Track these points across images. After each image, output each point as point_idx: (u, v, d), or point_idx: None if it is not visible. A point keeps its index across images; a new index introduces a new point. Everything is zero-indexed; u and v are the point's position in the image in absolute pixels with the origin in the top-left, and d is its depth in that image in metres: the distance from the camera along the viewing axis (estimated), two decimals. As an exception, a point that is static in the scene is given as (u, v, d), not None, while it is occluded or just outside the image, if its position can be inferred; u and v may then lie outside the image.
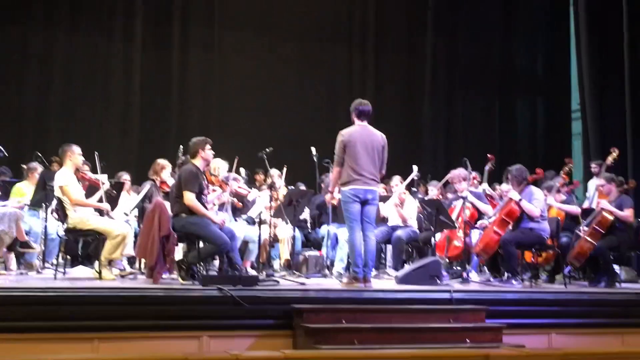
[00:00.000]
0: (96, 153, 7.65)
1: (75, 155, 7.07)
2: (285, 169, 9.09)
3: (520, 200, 7.42)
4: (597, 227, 7.71)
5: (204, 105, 12.17)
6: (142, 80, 11.74)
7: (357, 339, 5.50)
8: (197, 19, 12.18)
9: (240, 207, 8.17)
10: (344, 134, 6.78)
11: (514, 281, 7.33)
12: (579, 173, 11.92)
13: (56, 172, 7.64)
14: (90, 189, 7.39)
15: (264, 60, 12.38)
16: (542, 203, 7.56)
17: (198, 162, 6.77)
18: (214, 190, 7.45)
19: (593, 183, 9.25)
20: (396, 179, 9.00)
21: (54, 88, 11.38)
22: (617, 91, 11.41)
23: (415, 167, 9.20)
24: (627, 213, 7.76)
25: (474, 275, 7.99)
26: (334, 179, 6.96)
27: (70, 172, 7.02)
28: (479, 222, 7.98)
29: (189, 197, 6.49)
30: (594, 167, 9.61)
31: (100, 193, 7.22)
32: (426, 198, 8.96)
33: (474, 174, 8.54)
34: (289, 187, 8.84)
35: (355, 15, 13.08)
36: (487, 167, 9.00)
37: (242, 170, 9.11)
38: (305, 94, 12.56)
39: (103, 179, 7.40)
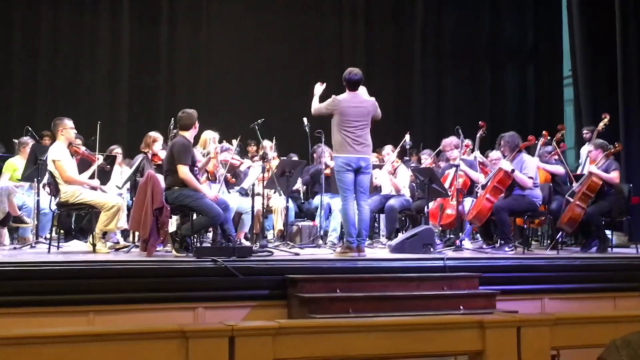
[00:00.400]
0: (99, 122, 7.61)
1: (68, 129, 7.02)
2: (274, 141, 9.06)
3: (512, 171, 7.42)
4: (586, 192, 7.74)
5: (194, 78, 12.07)
6: (131, 54, 11.62)
7: (352, 308, 5.54)
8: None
9: (233, 182, 8.17)
10: (335, 99, 6.75)
11: (506, 248, 7.38)
12: (571, 139, 11.94)
13: (47, 146, 7.61)
14: (82, 162, 7.35)
15: (253, 32, 12.27)
16: (534, 171, 7.58)
17: (189, 134, 6.74)
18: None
19: (585, 149, 9.27)
20: (388, 148, 9.01)
21: (41, 63, 11.26)
22: (609, 57, 11.37)
23: (407, 136, 9.20)
24: (613, 175, 7.77)
25: (467, 243, 8.03)
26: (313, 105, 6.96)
27: (63, 146, 6.97)
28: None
29: (183, 171, 6.47)
30: (585, 132, 9.63)
31: (93, 168, 7.19)
32: (419, 167, 8.97)
33: (466, 141, 8.55)
34: (282, 158, 8.83)
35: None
36: (478, 135, 9.00)
37: (234, 141, 9.08)
38: (296, 65, 12.48)
39: (98, 154, 7.36)
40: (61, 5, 11.40)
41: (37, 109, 11.12)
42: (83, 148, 7.34)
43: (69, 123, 7.05)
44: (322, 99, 7.00)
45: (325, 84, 7.17)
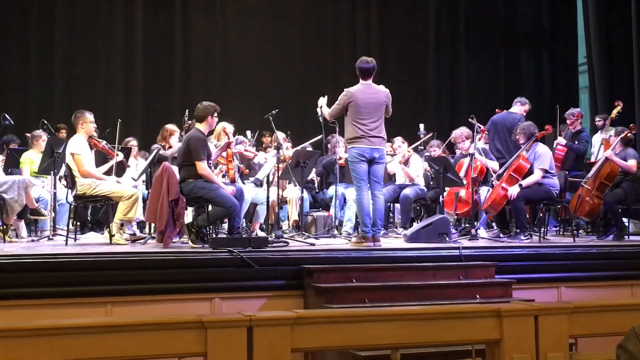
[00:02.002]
0: (119, 121, 7.64)
1: (88, 122, 7.06)
2: (289, 131, 9.08)
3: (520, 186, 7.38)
4: (604, 181, 7.69)
5: (208, 68, 12.10)
6: (145, 43, 11.68)
7: (368, 298, 5.54)
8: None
9: (247, 173, 8.18)
10: (347, 92, 6.74)
11: (522, 237, 7.35)
12: (586, 127, 11.84)
13: (63, 139, 7.66)
14: (99, 154, 7.39)
15: (267, 20, 12.27)
16: (548, 161, 7.54)
17: (203, 127, 6.75)
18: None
19: (598, 137, 9.21)
20: (398, 140, 8.99)
21: (56, 53, 11.33)
22: (624, 43, 11.26)
23: (421, 125, 9.17)
24: (631, 163, 7.71)
25: (482, 232, 8.01)
26: (324, 115, 6.97)
27: (83, 139, 7.01)
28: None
29: (202, 166, 6.49)
30: (598, 120, 9.56)
31: (111, 163, 7.21)
32: (433, 156, 8.94)
33: (482, 127, 8.49)
34: (295, 148, 8.82)
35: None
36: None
37: (248, 132, 9.09)
38: (310, 53, 12.47)
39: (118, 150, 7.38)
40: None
41: (53, 101, 11.19)
42: (103, 142, 7.36)
43: (89, 116, 7.09)
44: (335, 91, 6.97)
45: (326, 97, 7.13)
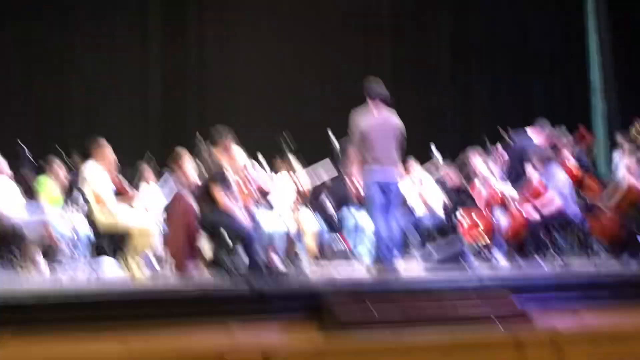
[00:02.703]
0: (147, 157, 7.66)
1: (106, 151, 7.10)
2: (301, 155, 9.10)
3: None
4: (622, 203, 7.62)
5: (222, 95, 12.18)
6: (160, 71, 11.81)
7: (387, 327, 5.50)
8: (213, 8, 12.18)
9: (263, 202, 8.18)
10: (358, 118, 6.72)
11: (542, 262, 7.28)
12: (600, 147, 11.80)
13: (80, 170, 7.70)
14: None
15: (279, 46, 12.37)
16: (564, 183, 7.49)
17: (220, 151, 6.78)
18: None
19: (618, 155, 9.14)
20: (412, 162, 8.96)
21: (73, 84, 11.47)
22: (637, 63, 11.24)
23: (433, 146, 9.13)
24: None
25: (500, 258, 7.94)
26: (352, 159, 6.92)
27: (100, 168, 7.03)
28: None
29: (218, 194, 6.50)
30: (620, 138, 9.50)
31: (127, 203, 7.23)
32: (446, 181, 8.91)
33: (498, 151, 8.45)
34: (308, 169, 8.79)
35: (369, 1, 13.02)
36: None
37: (259, 155, 9.09)
38: (323, 81, 12.54)
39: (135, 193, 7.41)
40: (94, 25, 11.59)
41: (69, 131, 11.29)
42: (124, 182, 7.39)
43: (105, 144, 7.13)
44: (347, 114, 6.97)
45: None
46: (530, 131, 8.52)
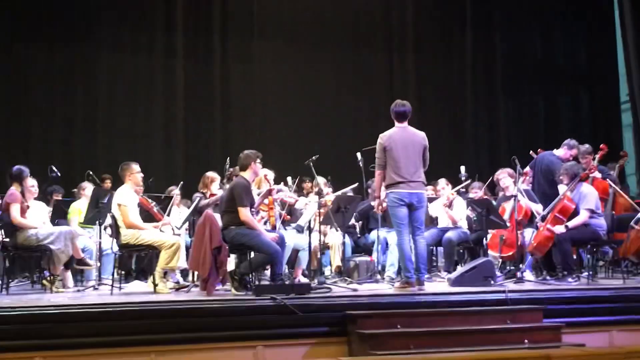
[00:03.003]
0: (181, 183, 7.75)
1: (135, 173, 7.20)
2: (329, 177, 9.13)
3: (566, 227, 7.27)
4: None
5: (247, 116, 12.28)
6: (185, 94, 11.92)
7: (413, 344, 5.46)
8: (236, 31, 12.31)
9: (288, 219, 8.20)
10: (383, 137, 6.76)
11: (570, 279, 7.19)
12: (632, 165, 11.66)
13: (107, 190, 7.80)
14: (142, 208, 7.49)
15: (304, 69, 12.45)
16: (594, 202, 7.40)
17: (248, 175, 6.82)
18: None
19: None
20: (442, 182, 8.93)
21: (99, 105, 11.64)
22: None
23: (462, 168, 9.11)
24: None
25: (528, 275, 7.85)
26: (378, 183, 6.92)
27: (130, 191, 7.14)
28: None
29: (244, 213, 6.53)
30: None
31: (157, 224, 7.27)
32: (475, 199, 8.85)
33: (526, 169, 8.38)
34: (336, 194, 8.84)
35: (392, 18, 13.07)
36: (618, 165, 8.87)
37: (288, 178, 9.14)
38: (347, 99, 12.57)
39: (166, 218, 7.47)
40: (118, 49, 11.76)
41: (97, 152, 11.45)
42: (153, 203, 7.46)
43: (136, 167, 7.24)
44: (374, 135, 6.97)
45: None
46: (560, 149, 8.38)
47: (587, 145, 8.56)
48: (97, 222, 7.48)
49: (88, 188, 8.32)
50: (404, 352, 5.35)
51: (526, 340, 5.62)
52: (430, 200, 8.42)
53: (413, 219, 6.71)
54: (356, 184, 8.78)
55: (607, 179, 8.50)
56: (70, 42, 11.48)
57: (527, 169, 8.43)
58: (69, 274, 7.61)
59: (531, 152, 8.65)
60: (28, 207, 7.21)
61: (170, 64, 11.91)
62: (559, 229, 7.25)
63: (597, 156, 8.44)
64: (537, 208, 7.98)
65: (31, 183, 7.51)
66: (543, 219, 7.63)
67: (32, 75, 11.34)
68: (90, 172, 8.84)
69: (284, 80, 12.35)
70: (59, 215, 8.39)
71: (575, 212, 7.39)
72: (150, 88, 11.88)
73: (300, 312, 5.70)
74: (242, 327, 5.70)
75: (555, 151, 8.38)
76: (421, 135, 6.82)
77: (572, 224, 7.29)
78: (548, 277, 7.58)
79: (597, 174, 8.34)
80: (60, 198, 8.86)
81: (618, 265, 8.16)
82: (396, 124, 6.83)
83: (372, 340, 5.44)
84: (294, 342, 5.71)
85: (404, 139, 6.72)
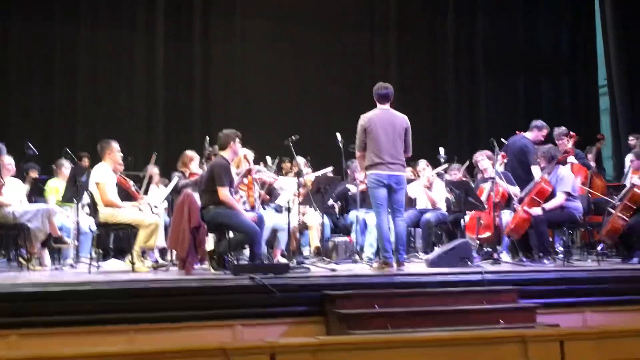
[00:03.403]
0: (155, 154, 7.70)
1: (114, 152, 7.14)
2: (308, 157, 9.13)
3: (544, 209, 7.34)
4: (628, 203, 7.61)
5: (228, 96, 12.20)
6: (165, 72, 11.79)
7: (390, 324, 5.51)
8: (218, 9, 12.19)
9: (267, 199, 8.20)
10: (364, 118, 6.78)
11: (545, 260, 7.28)
12: (608, 149, 11.78)
13: (86, 168, 7.73)
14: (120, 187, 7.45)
15: (286, 49, 12.37)
16: (570, 184, 7.49)
17: (227, 154, 6.80)
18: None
19: (629, 157, 9.13)
20: (422, 163, 8.97)
21: (78, 83, 11.48)
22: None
23: (441, 150, 9.16)
24: None
25: (505, 256, 7.94)
26: (361, 165, 6.96)
27: (109, 169, 7.08)
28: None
29: (224, 193, 6.52)
30: (631, 139, 9.48)
31: (134, 204, 7.25)
32: (454, 180, 8.90)
33: (502, 153, 8.46)
34: (315, 173, 8.86)
35: (376, 1, 13.01)
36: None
37: (268, 158, 9.14)
38: (329, 81, 12.53)
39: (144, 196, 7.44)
40: (98, 27, 11.60)
41: (75, 130, 11.33)
42: (131, 183, 7.42)
43: (115, 146, 7.18)
44: (354, 117, 7.00)
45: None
46: (529, 132, 8.43)
47: (562, 128, 8.64)
48: (75, 200, 7.43)
49: (65, 166, 8.24)
50: (381, 332, 5.39)
51: (501, 321, 5.69)
52: (410, 181, 8.46)
53: (393, 201, 6.75)
54: (331, 168, 8.82)
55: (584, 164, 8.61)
56: (49, 17, 11.31)
57: (503, 152, 8.50)
58: (46, 252, 7.56)
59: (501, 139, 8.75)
60: (4, 184, 7.13)
61: (150, 42, 11.76)
62: (536, 211, 7.33)
63: (572, 141, 8.53)
64: (515, 190, 8.05)
65: (8, 161, 7.43)
66: (520, 201, 7.71)
67: (9, 52, 11.16)
68: (68, 150, 8.76)
69: (265, 60, 12.27)
70: (36, 193, 8.32)
71: (552, 195, 7.46)
72: (130, 66, 11.74)
73: (278, 291, 5.72)
74: (221, 306, 5.71)
75: (525, 134, 8.41)
76: (402, 117, 6.84)
77: (548, 206, 7.38)
78: (524, 259, 7.67)
79: (574, 160, 8.43)
80: (36, 176, 8.77)
81: (593, 248, 8.27)
82: (378, 105, 6.85)
83: (350, 320, 5.48)
84: (273, 322, 5.73)
85: (384, 120, 6.73)
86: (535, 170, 7.91)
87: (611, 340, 3.71)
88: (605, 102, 12.96)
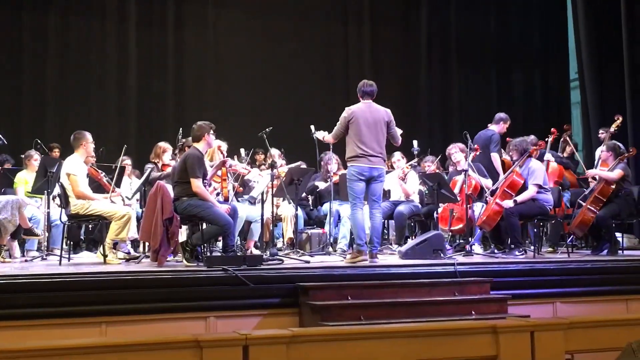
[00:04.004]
0: (125, 146, 7.59)
1: (88, 143, 7.07)
2: (282, 149, 9.12)
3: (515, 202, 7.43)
4: (598, 196, 7.72)
5: (201, 86, 12.10)
6: (138, 62, 11.66)
7: (363, 315, 5.53)
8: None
9: (241, 191, 8.18)
10: (348, 110, 6.84)
11: (517, 252, 7.36)
12: (579, 142, 11.90)
13: (56, 159, 7.65)
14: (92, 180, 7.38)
15: (259, 38, 12.30)
16: (542, 177, 7.57)
17: (201, 146, 6.77)
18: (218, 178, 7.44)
19: (600, 150, 9.25)
20: (397, 155, 9.00)
21: (48, 72, 11.30)
22: (616, 58, 11.35)
23: (415, 142, 9.20)
24: (613, 175, 7.72)
25: (477, 248, 8.01)
26: (329, 141, 7.06)
27: (80, 160, 7.01)
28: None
29: (197, 184, 6.49)
30: (601, 133, 9.62)
31: (105, 195, 7.19)
32: (427, 172, 8.95)
33: (475, 145, 8.53)
34: (289, 166, 8.85)
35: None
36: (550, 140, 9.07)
37: (242, 150, 9.11)
38: (302, 71, 12.50)
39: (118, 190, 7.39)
40: (68, 14, 11.43)
41: (45, 120, 11.16)
42: (102, 174, 7.35)
43: (89, 137, 7.10)
44: (328, 108, 7.03)
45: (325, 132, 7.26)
46: (493, 124, 8.68)
47: (532, 137, 8.79)
48: (46, 191, 7.34)
49: (35, 157, 8.14)
50: (354, 323, 5.42)
51: (473, 312, 5.75)
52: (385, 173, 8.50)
53: (371, 193, 6.79)
54: (300, 162, 8.84)
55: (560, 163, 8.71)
56: (18, 5, 11.13)
57: (476, 144, 8.59)
58: (15, 244, 7.48)
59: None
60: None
61: (122, 30, 11.62)
62: (508, 203, 7.41)
63: (550, 140, 8.64)
64: (487, 183, 8.13)
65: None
66: (492, 193, 7.78)
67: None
68: (38, 141, 8.65)
69: (238, 49, 12.20)
70: (5, 184, 8.20)
71: (524, 187, 7.54)
72: (101, 54, 11.58)
73: (251, 283, 5.72)
74: (194, 298, 5.69)
75: (491, 126, 8.74)
76: (385, 111, 6.90)
77: (520, 198, 7.45)
78: (496, 251, 7.75)
79: (551, 158, 8.51)
80: (9, 167, 8.66)
81: (563, 240, 8.37)
82: (361, 100, 6.90)
83: (323, 311, 5.50)
84: (246, 313, 5.73)
85: (367, 114, 6.80)
86: (495, 157, 8.30)
87: (580, 331, 3.76)
88: (576, 96, 13.09)
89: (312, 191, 8.85)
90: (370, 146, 6.70)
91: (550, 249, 8.23)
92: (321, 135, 7.28)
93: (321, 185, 8.75)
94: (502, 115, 8.81)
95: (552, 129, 8.72)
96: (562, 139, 9.34)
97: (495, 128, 8.67)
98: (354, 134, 6.72)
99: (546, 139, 8.64)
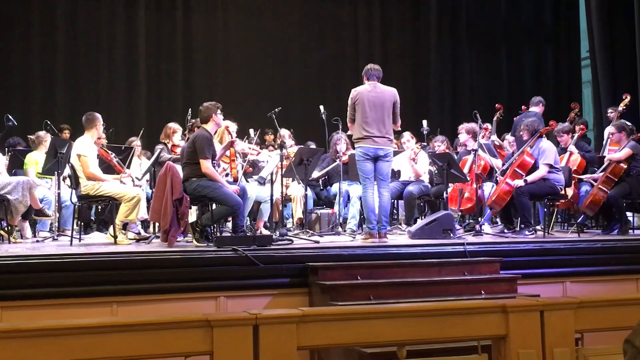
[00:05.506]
0: (142, 129, 7.59)
1: (100, 124, 7.09)
2: (291, 129, 9.10)
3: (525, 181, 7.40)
4: (609, 176, 7.68)
5: (210, 67, 12.10)
6: (147, 44, 11.67)
7: (373, 294, 5.54)
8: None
9: (250, 171, 8.18)
10: (354, 92, 6.86)
11: (527, 232, 7.33)
12: (589, 121, 11.83)
13: (67, 140, 7.66)
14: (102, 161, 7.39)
15: (268, 19, 12.27)
16: (552, 157, 7.52)
17: (209, 127, 6.76)
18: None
19: (608, 129, 9.18)
20: (407, 135, 8.97)
21: (58, 54, 11.33)
22: (627, 36, 11.24)
23: (424, 122, 9.16)
24: (621, 154, 7.67)
25: (487, 228, 7.99)
26: (351, 130, 7.06)
27: (91, 141, 7.03)
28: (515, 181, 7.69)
29: (206, 165, 6.50)
30: (610, 112, 9.54)
31: (116, 177, 7.21)
32: (437, 152, 8.93)
33: (485, 125, 8.49)
34: (299, 146, 8.83)
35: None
36: (495, 118, 9.01)
37: (251, 130, 9.10)
38: (312, 52, 12.47)
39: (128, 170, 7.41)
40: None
41: (55, 102, 11.20)
42: (112, 155, 7.36)
43: (100, 119, 7.12)
44: (338, 88, 7.01)
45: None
46: (533, 107, 8.98)
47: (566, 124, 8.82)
48: (56, 172, 7.37)
49: (45, 138, 8.16)
50: (364, 302, 5.42)
51: (483, 292, 5.74)
52: (395, 153, 8.47)
53: (378, 172, 6.80)
54: (310, 143, 8.83)
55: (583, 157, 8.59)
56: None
57: (487, 124, 8.56)
58: (27, 224, 7.52)
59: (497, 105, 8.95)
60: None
61: (132, 12, 11.61)
62: (518, 182, 7.38)
63: (577, 135, 8.57)
64: (497, 163, 8.10)
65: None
66: (502, 173, 7.75)
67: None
68: (48, 122, 8.67)
69: (247, 31, 12.16)
70: (16, 165, 8.23)
71: (535, 167, 7.50)
72: (111, 38, 11.59)
73: (261, 263, 5.74)
74: (204, 278, 5.72)
75: (532, 109, 8.98)
76: (391, 91, 6.89)
77: (530, 178, 7.42)
78: (506, 230, 7.73)
79: (574, 149, 8.38)
80: (20, 149, 8.68)
81: (574, 218, 8.33)
82: (367, 82, 6.88)
83: (333, 291, 5.51)
84: (256, 293, 5.75)
85: (373, 95, 6.80)
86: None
87: (590, 310, 3.74)
88: (587, 74, 12.98)
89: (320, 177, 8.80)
90: (376, 127, 6.71)
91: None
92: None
93: (315, 174, 8.66)
94: (539, 98, 9.16)
95: (550, 122, 8.58)
96: (568, 118, 9.26)
97: (537, 109, 8.93)
98: (360, 115, 6.75)
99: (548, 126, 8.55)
